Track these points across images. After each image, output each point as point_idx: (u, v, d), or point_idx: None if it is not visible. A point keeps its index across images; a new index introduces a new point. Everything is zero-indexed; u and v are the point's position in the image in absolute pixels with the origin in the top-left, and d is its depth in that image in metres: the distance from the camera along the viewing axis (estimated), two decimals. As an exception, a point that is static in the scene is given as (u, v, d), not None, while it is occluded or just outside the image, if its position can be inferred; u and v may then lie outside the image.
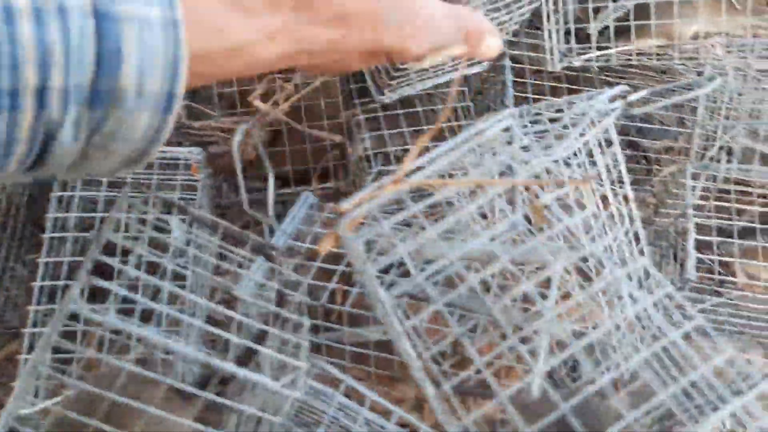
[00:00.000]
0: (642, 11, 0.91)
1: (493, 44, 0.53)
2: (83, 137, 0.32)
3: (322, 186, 0.94)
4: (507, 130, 0.59)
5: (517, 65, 1.01)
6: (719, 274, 0.95)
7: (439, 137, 0.96)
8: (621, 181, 0.84)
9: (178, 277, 0.60)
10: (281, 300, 0.59)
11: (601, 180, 0.79)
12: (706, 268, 0.97)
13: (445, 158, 0.56)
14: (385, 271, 0.62)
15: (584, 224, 0.57)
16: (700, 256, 0.89)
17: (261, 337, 0.55)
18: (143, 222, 0.59)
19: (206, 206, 0.89)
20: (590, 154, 0.77)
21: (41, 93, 0.30)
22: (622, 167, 0.82)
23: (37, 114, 0.30)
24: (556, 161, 0.75)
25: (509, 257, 0.51)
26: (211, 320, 0.68)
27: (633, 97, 0.74)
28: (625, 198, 0.83)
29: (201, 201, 0.86)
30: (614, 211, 0.81)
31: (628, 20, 0.91)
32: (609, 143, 0.80)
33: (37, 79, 0.29)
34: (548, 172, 0.77)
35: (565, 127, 0.75)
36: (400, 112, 0.92)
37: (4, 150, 0.30)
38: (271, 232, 0.83)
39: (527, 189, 0.58)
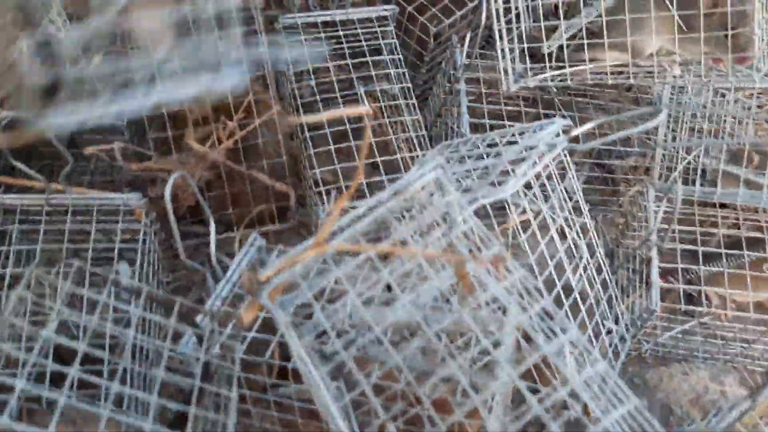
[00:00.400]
0: (598, 30, 0.88)
1: None
2: None
3: (266, 230, 0.90)
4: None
5: (472, 89, 0.98)
6: (689, 296, 0.92)
7: (395, 168, 0.92)
8: (579, 210, 0.80)
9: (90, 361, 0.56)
10: (207, 374, 0.55)
11: (554, 214, 0.76)
12: (676, 291, 0.94)
13: (369, 217, 0.53)
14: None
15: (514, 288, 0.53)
16: (666, 285, 0.86)
17: (181, 419, 0.51)
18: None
19: (155, 251, 0.85)
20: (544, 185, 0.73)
21: None
22: (579, 197, 0.79)
23: None
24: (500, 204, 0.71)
25: (433, 329, 0.47)
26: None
27: (577, 131, 0.70)
28: (583, 229, 0.80)
29: (148, 247, 0.82)
30: (570, 244, 0.77)
31: (583, 39, 0.88)
32: (563, 176, 0.77)
33: None
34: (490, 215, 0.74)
35: (513, 162, 0.71)
36: (352, 144, 0.89)
37: None
38: (215, 279, 0.79)
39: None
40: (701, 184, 0.95)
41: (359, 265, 0.56)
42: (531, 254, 0.72)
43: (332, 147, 0.89)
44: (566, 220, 0.76)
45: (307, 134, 0.91)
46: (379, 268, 0.53)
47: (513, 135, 0.78)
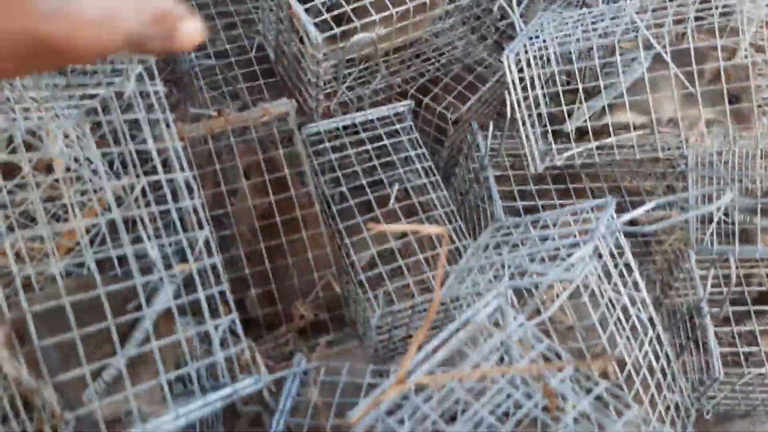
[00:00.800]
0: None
1: (191, 29, 0.43)
2: None
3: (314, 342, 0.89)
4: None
5: (499, 173, 1.00)
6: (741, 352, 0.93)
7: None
8: (636, 285, 0.81)
9: None
10: None
11: (618, 292, 0.77)
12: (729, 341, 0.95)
13: (443, 350, 0.54)
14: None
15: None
16: (725, 350, 0.86)
17: None
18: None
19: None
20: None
21: None
22: (636, 273, 0.80)
23: None
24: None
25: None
26: None
27: (634, 213, 0.71)
28: (643, 303, 0.80)
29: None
30: (635, 321, 0.78)
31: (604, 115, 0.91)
32: (621, 253, 0.78)
33: None
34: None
35: (572, 246, 0.72)
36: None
37: None
38: (268, 409, 0.77)
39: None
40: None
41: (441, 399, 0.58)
42: (603, 335, 0.73)
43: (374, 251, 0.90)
44: (629, 297, 0.76)
45: (347, 240, 0.91)
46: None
47: (565, 215, 0.79)
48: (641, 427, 0.55)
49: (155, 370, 0.61)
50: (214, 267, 0.67)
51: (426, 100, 1.08)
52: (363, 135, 1.02)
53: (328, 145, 1.01)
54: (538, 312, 0.68)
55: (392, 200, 0.96)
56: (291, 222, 0.90)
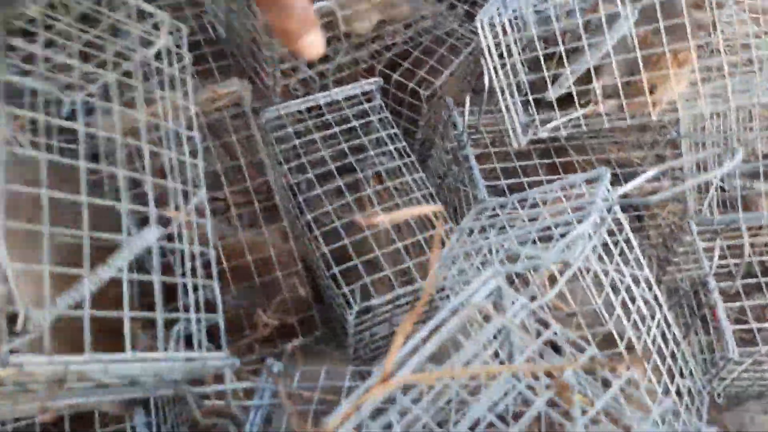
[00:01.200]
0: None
1: (314, 41, 0.56)
2: None
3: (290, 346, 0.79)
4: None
5: (479, 151, 0.91)
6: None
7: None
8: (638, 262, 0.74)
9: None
10: None
11: (621, 273, 0.69)
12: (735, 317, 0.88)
13: (434, 342, 0.45)
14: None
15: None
16: (737, 327, 0.79)
17: None
18: None
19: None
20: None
21: None
22: (637, 250, 0.72)
23: None
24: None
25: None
26: None
27: (630, 185, 0.64)
28: (647, 282, 0.73)
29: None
30: (640, 303, 0.70)
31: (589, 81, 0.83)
32: (620, 229, 0.70)
33: None
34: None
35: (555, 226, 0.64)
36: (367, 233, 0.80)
37: None
38: (235, 421, 0.68)
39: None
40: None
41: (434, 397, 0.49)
42: (609, 320, 0.65)
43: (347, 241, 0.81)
44: (633, 277, 0.69)
45: (317, 232, 0.82)
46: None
47: (554, 192, 0.72)
48: (671, 420, 0.47)
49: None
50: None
51: (395, 76, 1.00)
52: (329, 117, 0.94)
53: (291, 129, 0.92)
54: (533, 299, 0.60)
55: (367, 186, 0.88)
56: (249, 216, 0.81)
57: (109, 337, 0.52)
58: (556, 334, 0.50)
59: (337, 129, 0.92)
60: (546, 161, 0.92)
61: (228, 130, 0.81)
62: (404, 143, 0.92)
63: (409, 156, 0.91)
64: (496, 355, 0.51)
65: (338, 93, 0.94)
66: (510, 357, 0.50)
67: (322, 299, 0.89)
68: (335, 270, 0.77)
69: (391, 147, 0.92)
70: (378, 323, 0.83)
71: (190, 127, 0.65)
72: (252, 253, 0.78)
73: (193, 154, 0.64)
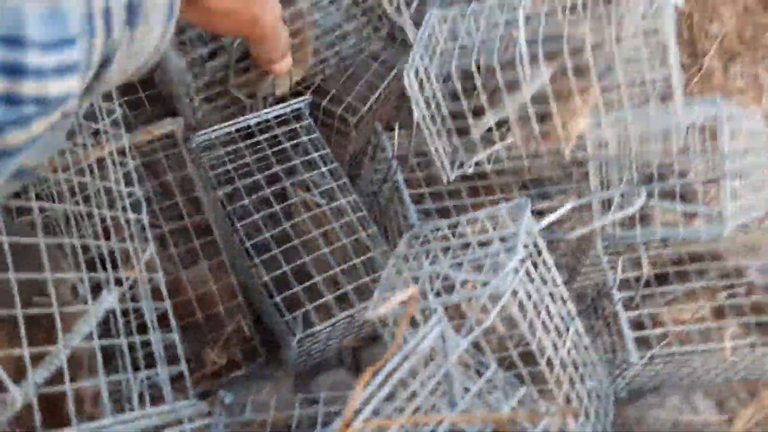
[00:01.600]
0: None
1: (288, 63, 0.82)
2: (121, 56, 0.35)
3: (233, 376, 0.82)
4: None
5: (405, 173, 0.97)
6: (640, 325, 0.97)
7: (344, 254, 0.87)
8: (555, 282, 0.82)
9: None
10: None
11: (540, 293, 0.77)
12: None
13: (386, 388, 0.50)
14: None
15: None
16: (638, 333, 0.89)
17: None
18: None
19: None
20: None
21: (107, 14, 0.33)
22: (554, 271, 0.80)
23: (105, 36, 0.33)
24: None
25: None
26: None
27: (552, 217, 0.71)
28: (563, 299, 0.81)
29: None
30: (558, 320, 0.78)
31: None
32: (539, 251, 0.77)
33: (102, 1, 0.32)
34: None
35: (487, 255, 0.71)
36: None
37: (83, 73, 0.32)
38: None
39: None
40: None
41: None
42: (532, 340, 0.73)
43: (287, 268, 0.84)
44: (551, 295, 0.77)
45: (257, 260, 0.85)
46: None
47: (482, 222, 0.78)
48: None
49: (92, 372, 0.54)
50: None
51: (324, 103, 1.03)
52: (260, 137, 0.95)
53: (222, 151, 0.93)
54: (470, 329, 0.66)
55: (302, 209, 0.91)
56: (189, 253, 0.82)
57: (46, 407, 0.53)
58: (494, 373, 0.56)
59: (269, 151, 0.95)
60: (469, 185, 0.98)
61: (164, 169, 0.82)
62: (337, 164, 0.95)
63: (341, 178, 0.94)
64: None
65: (268, 113, 0.96)
66: (452, 399, 0.56)
67: (260, 318, 0.92)
68: (277, 299, 0.80)
69: (324, 168, 0.95)
70: (317, 342, 0.87)
71: (129, 183, 0.66)
72: (193, 289, 0.80)
73: (136, 208, 0.66)
